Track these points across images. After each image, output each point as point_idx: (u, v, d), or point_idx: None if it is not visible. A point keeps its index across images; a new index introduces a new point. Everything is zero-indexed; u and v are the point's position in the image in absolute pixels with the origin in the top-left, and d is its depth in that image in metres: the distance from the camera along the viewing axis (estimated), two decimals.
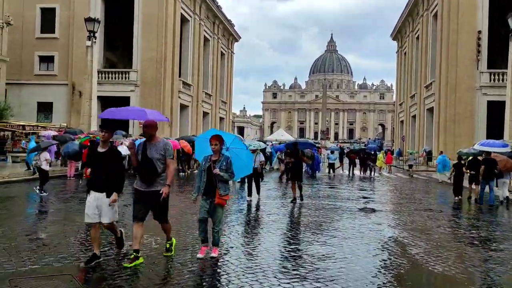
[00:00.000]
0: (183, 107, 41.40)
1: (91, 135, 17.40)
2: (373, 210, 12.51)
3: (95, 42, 26.58)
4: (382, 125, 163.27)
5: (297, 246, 7.96)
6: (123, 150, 19.99)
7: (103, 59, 38.35)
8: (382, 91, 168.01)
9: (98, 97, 36.13)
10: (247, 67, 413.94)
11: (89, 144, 10.55)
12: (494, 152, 15.86)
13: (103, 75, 36.47)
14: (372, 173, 27.42)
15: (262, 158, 11.53)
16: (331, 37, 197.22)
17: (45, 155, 14.18)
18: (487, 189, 14.97)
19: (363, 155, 28.16)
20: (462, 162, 16.58)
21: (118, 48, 43.04)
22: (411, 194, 17.89)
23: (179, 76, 40.14)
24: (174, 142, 22.87)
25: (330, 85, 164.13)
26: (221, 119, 55.20)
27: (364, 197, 15.75)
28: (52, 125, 28.89)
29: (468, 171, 15.65)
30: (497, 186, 15.95)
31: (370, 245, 8.04)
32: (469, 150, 19.38)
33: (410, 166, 30.85)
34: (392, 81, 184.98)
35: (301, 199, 13.65)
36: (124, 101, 36.30)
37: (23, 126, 24.19)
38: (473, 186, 15.84)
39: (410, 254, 7.57)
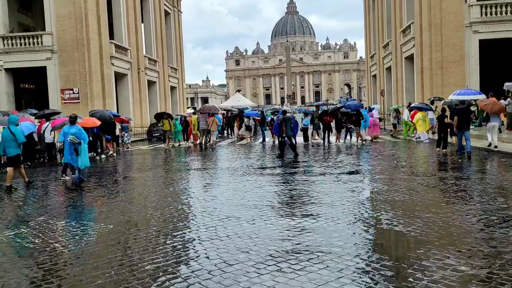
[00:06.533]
0: (120, 76, 34.47)
1: None
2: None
3: None
4: (348, 85, 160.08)
5: None
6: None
7: (9, 23, 30.49)
8: (345, 50, 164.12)
9: (7, 69, 29.28)
10: (209, 36, 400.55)
11: None
12: (472, 99, 17.10)
13: (9, 41, 29.04)
14: (357, 139, 20.85)
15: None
16: None
17: None
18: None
19: (341, 116, 21.87)
20: (445, 113, 16.28)
21: (34, 9, 35.29)
22: (442, 173, 11.73)
23: (111, 38, 33.06)
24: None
25: (293, 47, 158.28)
26: (172, 88, 48.21)
27: (363, 193, 8.84)
28: None
29: (451, 121, 15.11)
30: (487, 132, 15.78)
31: None
32: (445, 101, 20.10)
33: (395, 126, 25.64)
34: (355, 39, 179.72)
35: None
36: (40, 72, 29.24)
37: None
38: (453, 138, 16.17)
39: None
